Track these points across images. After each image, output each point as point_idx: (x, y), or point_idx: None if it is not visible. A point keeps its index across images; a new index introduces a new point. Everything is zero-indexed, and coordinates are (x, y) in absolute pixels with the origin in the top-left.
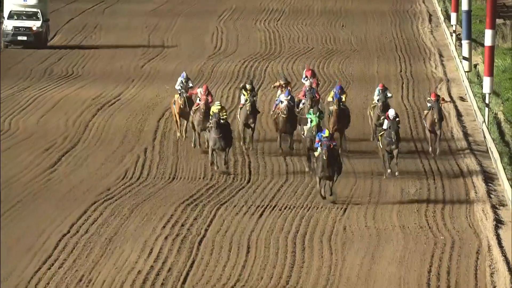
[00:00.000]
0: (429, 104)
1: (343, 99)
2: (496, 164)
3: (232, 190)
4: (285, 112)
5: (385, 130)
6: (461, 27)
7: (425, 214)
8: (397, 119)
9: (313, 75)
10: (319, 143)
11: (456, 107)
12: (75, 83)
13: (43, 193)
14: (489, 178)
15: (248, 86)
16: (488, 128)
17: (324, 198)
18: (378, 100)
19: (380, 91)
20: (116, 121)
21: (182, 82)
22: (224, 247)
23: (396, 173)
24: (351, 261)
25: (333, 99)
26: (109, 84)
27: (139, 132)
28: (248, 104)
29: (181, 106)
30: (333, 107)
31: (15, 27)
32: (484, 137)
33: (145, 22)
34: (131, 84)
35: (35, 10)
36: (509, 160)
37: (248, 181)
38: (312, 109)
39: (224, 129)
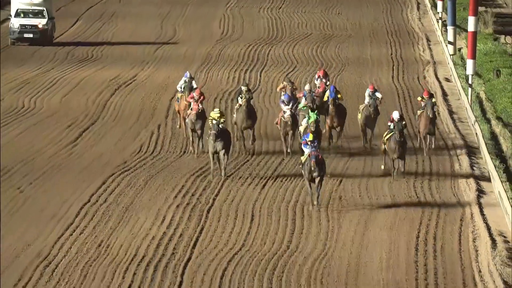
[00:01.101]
0: (422, 104)
1: (339, 96)
2: (478, 139)
3: (237, 164)
4: (289, 122)
5: (391, 132)
6: (447, 14)
7: (413, 185)
8: (403, 121)
9: (325, 75)
10: (305, 144)
11: (442, 87)
12: (94, 66)
13: (66, 166)
14: (472, 152)
15: (244, 88)
16: (471, 107)
17: (312, 203)
18: (368, 103)
19: (371, 92)
20: (132, 100)
21: (185, 81)
22: (230, 215)
23: (397, 178)
24: (346, 228)
25: (328, 99)
26: (125, 66)
27: (153, 110)
28: (244, 101)
29: (186, 104)
30: (330, 106)
31: (21, 25)
32: (468, 115)
33: (157, 10)
34: (145, 66)
35: (41, 8)
36: (490, 136)
37: (252, 155)
38: (308, 109)
39: (223, 136)
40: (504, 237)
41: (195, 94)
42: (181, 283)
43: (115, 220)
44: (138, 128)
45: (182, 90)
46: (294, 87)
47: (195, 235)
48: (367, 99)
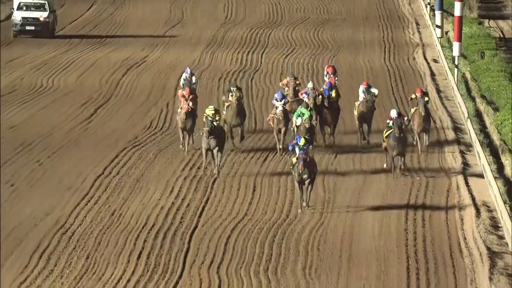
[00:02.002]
0: (414, 99)
1: (333, 95)
2: (464, 116)
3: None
4: (281, 118)
5: (390, 129)
6: (435, 0)
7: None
8: (402, 118)
9: (334, 71)
10: (293, 146)
11: (430, 67)
12: (107, 48)
13: (81, 141)
14: (458, 128)
15: (233, 88)
16: (457, 86)
17: (301, 206)
18: (365, 99)
19: (365, 89)
20: (143, 80)
21: (186, 78)
22: (234, 187)
23: (397, 176)
24: (341, 198)
25: (322, 96)
26: (136, 48)
27: (162, 88)
28: (234, 98)
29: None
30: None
31: (23, 18)
32: (454, 93)
33: None
34: (155, 48)
35: (42, 1)
36: (475, 113)
37: (254, 131)
38: (302, 105)
39: (217, 133)
40: (488, 206)
41: (185, 92)
42: (188, 249)
43: (127, 191)
44: (148, 105)
45: (183, 85)
46: (297, 82)
47: (201, 205)
48: (361, 96)
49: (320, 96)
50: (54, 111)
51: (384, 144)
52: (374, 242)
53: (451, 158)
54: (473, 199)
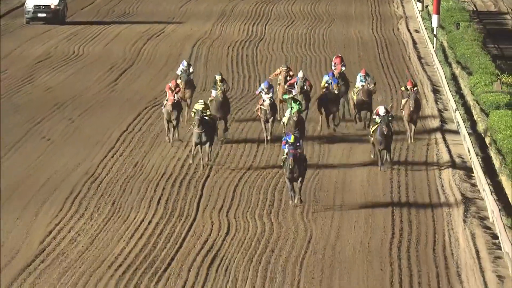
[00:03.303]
0: (405, 91)
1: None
2: (442, 79)
3: (246, 100)
4: (267, 110)
5: (377, 124)
6: None
7: None
8: (389, 115)
9: (341, 61)
10: (285, 145)
11: (412, 37)
12: (130, 20)
13: (108, 101)
14: (436, 90)
15: (217, 77)
16: (435, 53)
17: (292, 200)
18: (363, 85)
19: (363, 77)
20: (161, 48)
21: (183, 70)
22: (241, 142)
23: (384, 169)
24: (334, 153)
25: (329, 85)
26: (155, 21)
27: (178, 56)
28: (219, 92)
29: (183, 90)
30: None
31: (35, 5)
32: (433, 59)
33: None
34: (172, 20)
35: None
36: (451, 76)
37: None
38: (289, 99)
39: (207, 126)
40: (462, 158)
41: (171, 84)
42: (201, 196)
43: (148, 145)
44: (166, 70)
45: (181, 74)
46: (290, 73)
47: (212, 157)
48: (359, 83)
49: (327, 84)
50: (84, 75)
51: (371, 139)
52: (363, 189)
53: (430, 116)
54: (450, 152)
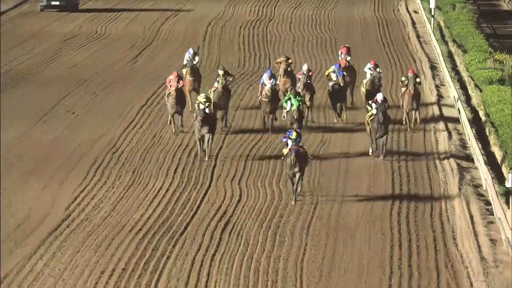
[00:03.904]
0: (404, 79)
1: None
2: (439, 57)
3: (257, 76)
4: (268, 94)
5: (374, 114)
6: None
7: (384, 89)
8: (386, 103)
9: (348, 51)
10: (287, 139)
11: (411, 17)
12: (149, 3)
13: (128, 77)
14: (433, 67)
15: (220, 72)
16: (433, 32)
17: (293, 194)
18: (372, 75)
19: (372, 67)
20: (177, 28)
21: (189, 57)
22: (251, 119)
23: (382, 157)
24: (336, 136)
25: (337, 76)
26: (171, 3)
27: (193, 35)
28: (220, 86)
29: (190, 80)
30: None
31: None
32: (430, 38)
33: None
34: (187, 3)
35: None
36: (447, 54)
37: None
38: (291, 93)
39: (209, 119)
40: (458, 130)
41: (172, 76)
42: (215, 166)
43: (166, 118)
44: (182, 49)
45: (187, 63)
46: (289, 61)
47: (223, 133)
48: (368, 74)
49: (332, 74)
50: (107, 53)
51: (368, 127)
52: (366, 160)
53: (428, 91)
54: (446, 124)
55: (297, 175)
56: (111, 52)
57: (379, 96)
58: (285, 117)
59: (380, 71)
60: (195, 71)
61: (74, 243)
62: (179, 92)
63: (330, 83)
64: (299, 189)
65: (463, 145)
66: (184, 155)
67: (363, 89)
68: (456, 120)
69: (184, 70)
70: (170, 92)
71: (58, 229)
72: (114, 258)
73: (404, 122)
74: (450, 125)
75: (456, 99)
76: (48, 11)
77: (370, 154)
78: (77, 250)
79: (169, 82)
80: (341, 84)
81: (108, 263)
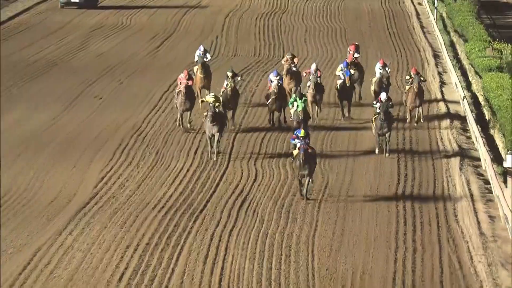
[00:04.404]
0: (408, 78)
1: (352, 72)
2: (441, 46)
3: (272, 64)
4: (275, 91)
5: (378, 113)
6: None
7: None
8: (389, 102)
9: (357, 49)
10: (294, 139)
11: (416, 9)
12: None
13: (151, 66)
14: (436, 55)
15: (229, 74)
16: (436, 23)
17: (302, 195)
18: (381, 74)
19: (381, 67)
20: (197, 19)
21: (199, 55)
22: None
23: (387, 154)
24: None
25: (344, 76)
26: None
27: (212, 25)
28: (229, 88)
29: (200, 77)
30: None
31: None
32: (433, 28)
33: None
34: None
35: None
36: (449, 43)
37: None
38: (296, 94)
39: (218, 118)
40: (459, 114)
41: (182, 75)
42: (232, 147)
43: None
44: (202, 38)
45: (197, 61)
46: (295, 60)
47: (241, 115)
48: (377, 73)
49: (341, 73)
50: (131, 43)
51: (373, 126)
52: (371, 143)
53: (431, 77)
54: (448, 108)
55: (307, 179)
56: (135, 42)
57: (383, 96)
58: (292, 117)
59: (389, 70)
60: (206, 68)
61: (102, 219)
62: (189, 91)
63: (338, 81)
64: (305, 190)
65: (464, 128)
66: (204, 137)
67: (372, 88)
68: (457, 105)
69: (195, 68)
70: (180, 90)
71: (87, 207)
72: (139, 233)
73: (408, 119)
74: (452, 109)
75: (457, 85)
76: (68, 8)
77: (376, 152)
78: (104, 226)
79: (180, 81)
80: (348, 84)
81: (133, 238)
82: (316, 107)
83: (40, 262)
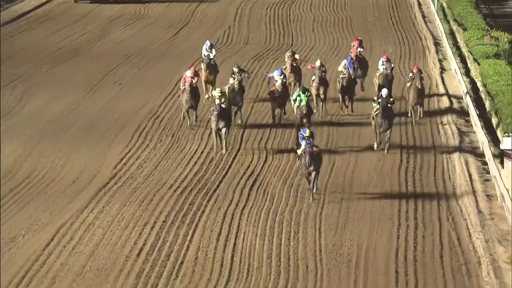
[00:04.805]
0: (411, 76)
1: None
2: (441, 34)
3: (281, 51)
4: (279, 89)
5: (378, 109)
6: None
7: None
8: (390, 98)
9: (360, 44)
10: (302, 138)
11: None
12: None
13: (167, 53)
14: (437, 43)
15: (235, 69)
16: (436, 12)
17: (311, 191)
18: (385, 69)
19: (384, 62)
20: (211, 10)
21: (206, 49)
22: None
23: (386, 151)
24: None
25: (348, 69)
26: None
27: (225, 16)
28: (236, 82)
29: (206, 73)
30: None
31: None
32: (434, 18)
33: None
34: None
35: None
36: (449, 31)
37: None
38: (300, 89)
39: (224, 113)
40: (458, 99)
41: (188, 73)
42: (243, 131)
43: (200, 89)
44: (215, 27)
45: (204, 56)
46: (296, 56)
47: (250, 105)
48: (381, 68)
49: (344, 69)
50: (149, 31)
51: (373, 122)
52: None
53: (432, 64)
54: (448, 93)
55: (313, 174)
56: (152, 31)
57: (384, 92)
58: (295, 112)
59: (393, 65)
60: (211, 66)
61: (121, 198)
62: (194, 88)
63: (341, 76)
64: (314, 189)
65: (463, 111)
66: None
67: (375, 82)
68: (457, 90)
69: (202, 65)
70: (185, 88)
71: (107, 186)
72: (156, 211)
73: (409, 115)
74: (452, 94)
75: (456, 72)
76: (82, 2)
77: (375, 148)
78: (123, 204)
79: (185, 78)
80: (352, 77)
81: (150, 216)
82: (321, 102)
83: (63, 239)
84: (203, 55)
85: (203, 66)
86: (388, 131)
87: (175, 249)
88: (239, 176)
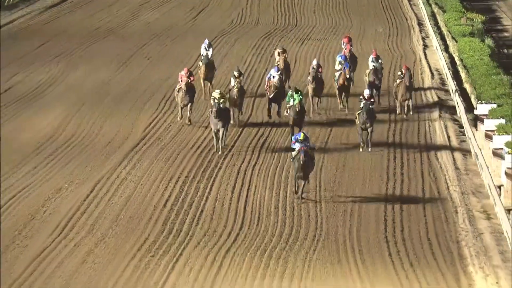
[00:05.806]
0: (400, 74)
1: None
2: (424, 16)
3: (287, 31)
4: (277, 86)
5: (361, 108)
6: None
7: (384, 41)
8: (372, 99)
9: (349, 41)
10: (295, 144)
11: None
12: None
13: (190, 32)
14: (420, 24)
15: (236, 73)
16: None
17: (296, 193)
18: (375, 67)
19: (374, 59)
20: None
21: (204, 48)
22: None
23: (369, 149)
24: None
25: (343, 69)
26: None
27: (239, 0)
28: (236, 90)
29: (204, 71)
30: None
31: None
32: (418, 1)
33: None
34: None
35: None
36: (431, 13)
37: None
38: (292, 89)
39: (223, 114)
40: (438, 71)
41: (183, 72)
42: (253, 101)
43: (219, 61)
44: (231, 10)
45: (203, 55)
46: (286, 55)
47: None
48: (371, 65)
49: (340, 66)
50: (174, 13)
51: (356, 121)
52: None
53: (415, 41)
54: (429, 66)
55: (302, 182)
56: (176, 13)
57: (365, 92)
58: (287, 112)
59: (382, 62)
60: (209, 64)
61: (150, 156)
62: (189, 87)
63: (337, 74)
64: (303, 193)
65: (443, 82)
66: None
67: (365, 79)
68: (438, 63)
69: (200, 63)
70: (180, 87)
71: (138, 146)
72: (180, 168)
73: (397, 111)
74: (433, 68)
75: (437, 48)
76: None
77: (361, 150)
78: (151, 162)
79: (181, 78)
80: (347, 76)
81: (175, 171)
82: (317, 99)
83: (100, 191)
84: (201, 54)
85: (201, 64)
86: (369, 129)
87: (196, 200)
88: (251, 137)
